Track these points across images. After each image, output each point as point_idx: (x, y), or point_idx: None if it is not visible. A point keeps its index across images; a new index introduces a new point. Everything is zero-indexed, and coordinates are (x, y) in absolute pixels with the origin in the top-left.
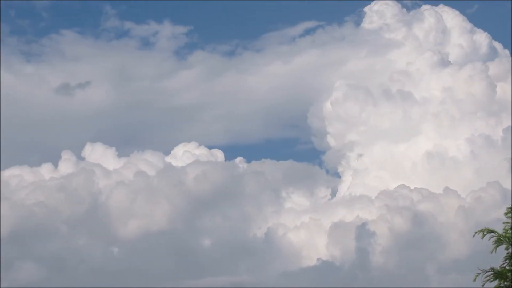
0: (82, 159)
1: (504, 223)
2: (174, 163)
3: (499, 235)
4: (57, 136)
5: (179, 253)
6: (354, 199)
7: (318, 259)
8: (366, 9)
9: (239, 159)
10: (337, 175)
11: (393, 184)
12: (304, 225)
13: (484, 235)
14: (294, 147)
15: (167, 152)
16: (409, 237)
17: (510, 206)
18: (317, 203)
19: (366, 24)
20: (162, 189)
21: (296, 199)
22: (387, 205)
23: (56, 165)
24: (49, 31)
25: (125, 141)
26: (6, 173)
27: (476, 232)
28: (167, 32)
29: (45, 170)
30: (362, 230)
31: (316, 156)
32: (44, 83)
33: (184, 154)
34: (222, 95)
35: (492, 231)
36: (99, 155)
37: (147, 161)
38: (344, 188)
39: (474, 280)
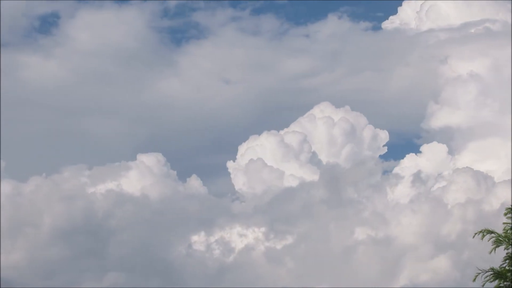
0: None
1: (504, 223)
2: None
3: (499, 235)
4: (203, 130)
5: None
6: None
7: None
8: None
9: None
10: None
11: None
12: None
13: (483, 235)
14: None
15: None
16: None
17: (509, 207)
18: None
19: None
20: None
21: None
22: None
23: None
24: (207, 29)
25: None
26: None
27: (476, 233)
28: (328, 30)
29: None
30: None
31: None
32: (191, 79)
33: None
34: (350, 95)
35: (491, 232)
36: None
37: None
38: None
39: (474, 280)
